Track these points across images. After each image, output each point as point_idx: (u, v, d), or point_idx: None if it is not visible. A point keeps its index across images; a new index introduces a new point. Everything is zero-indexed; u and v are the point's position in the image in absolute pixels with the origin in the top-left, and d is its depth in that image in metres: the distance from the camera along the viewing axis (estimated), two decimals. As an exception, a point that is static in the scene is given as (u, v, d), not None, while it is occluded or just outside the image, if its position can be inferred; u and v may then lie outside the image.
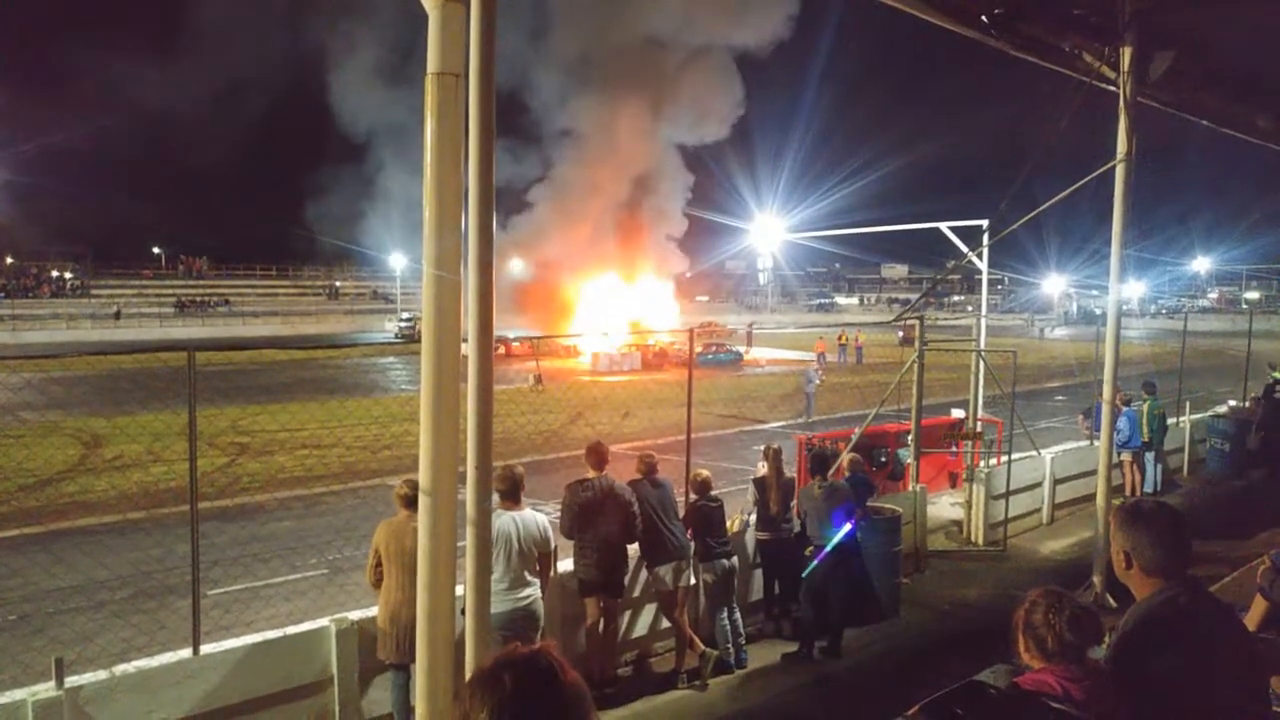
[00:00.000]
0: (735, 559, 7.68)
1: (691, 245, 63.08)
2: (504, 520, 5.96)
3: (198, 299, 69.27)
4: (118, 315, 59.12)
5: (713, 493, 7.62)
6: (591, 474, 6.90)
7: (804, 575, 7.78)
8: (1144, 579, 2.74)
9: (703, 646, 7.24)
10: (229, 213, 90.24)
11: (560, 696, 1.46)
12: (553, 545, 6.28)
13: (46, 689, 4.73)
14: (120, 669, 5.08)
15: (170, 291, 70.06)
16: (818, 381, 24.40)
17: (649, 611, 7.57)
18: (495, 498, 5.62)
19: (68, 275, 68.46)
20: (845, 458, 9.15)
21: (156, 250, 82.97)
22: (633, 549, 7.13)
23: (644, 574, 7.30)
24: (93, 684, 4.88)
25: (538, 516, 6.20)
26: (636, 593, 7.44)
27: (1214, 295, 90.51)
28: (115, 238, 78.37)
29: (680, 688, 7.08)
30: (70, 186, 69.32)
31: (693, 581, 7.31)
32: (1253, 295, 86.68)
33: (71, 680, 4.83)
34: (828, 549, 7.66)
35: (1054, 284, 72.93)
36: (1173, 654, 2.62)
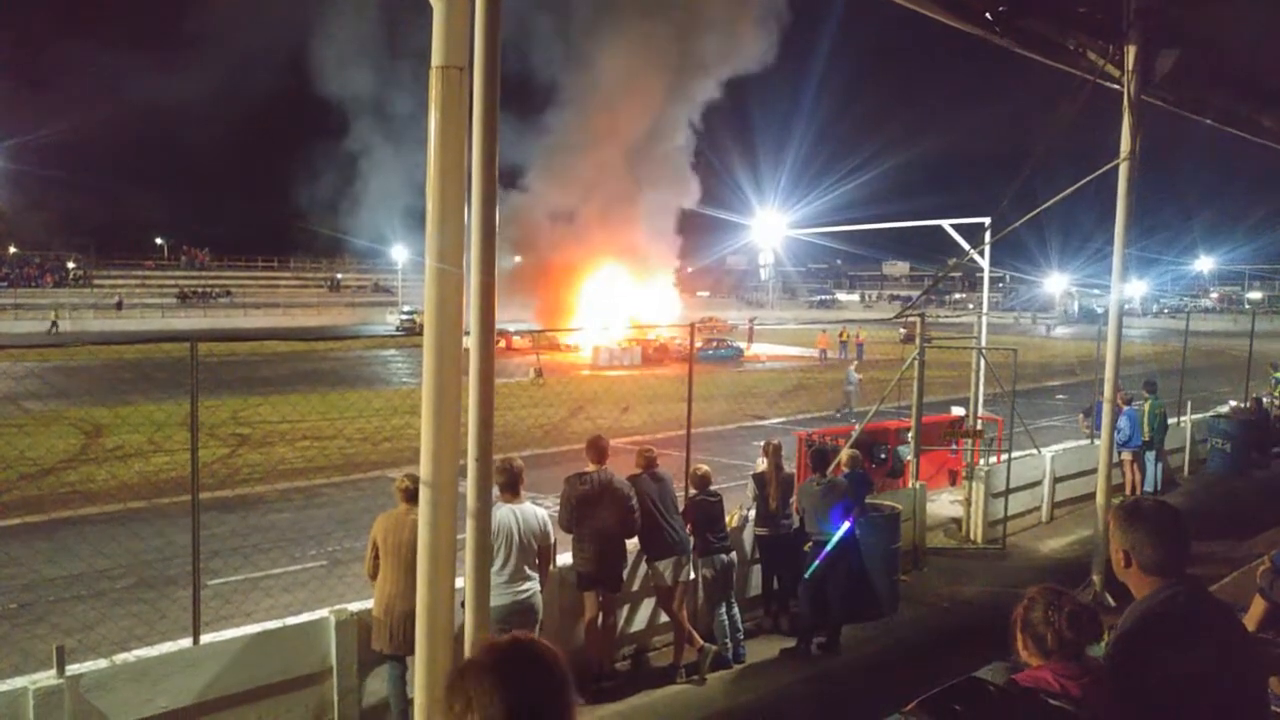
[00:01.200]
0: (734, 554, 7.69)
1: (693, 241, 63.07)
2: (504, 513, 5.97)
3: (200, 290, 69.32)
4: (120, 306, 59.20)
5: (712, 487, 7.63)
6: (591, 468, 6.91)
7: (806, 577, 7.77)
8: (1143, 578, 2.74)
9: (701, 641, 7.26)
10: (231, 204, 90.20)
11: (550, 681, 1.49)
12: (552, 539, 6.29)
13: (48, 677, 4.74)
14: (121, 658, 5.10)
15: (172, 282, 70.09)
16: (859, 379, 24.31)
17: (647, 606, 7.58)
18: (495, 490, 5.63)
19: (70, 265, 68.53)
20: (844, 454, 9.14)
21: (159, 241, 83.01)
22: (632, 543, 7.14)
23: (643, 568, 7.31)
24: (93, 673, 4.90)
25: (537, 510, 6.21)
26: (635, 587, 7.45)
27: (1215, 295, 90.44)
28: (118, 228, 78.35)
29: (678, 682, 7.10)
30: (73, 177, 69.37)
31: (692, 576, 7.32)
32: (1255, 295, 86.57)
33: (72, 668, 4.85)
34: (829, 548, 7.67)
35: (1056, 282, 72.88)
36: (1171, 654, 2.62)
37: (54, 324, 50.70)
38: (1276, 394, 17.63)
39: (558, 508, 6.94)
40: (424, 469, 3.75)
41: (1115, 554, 2.80)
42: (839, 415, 21.93)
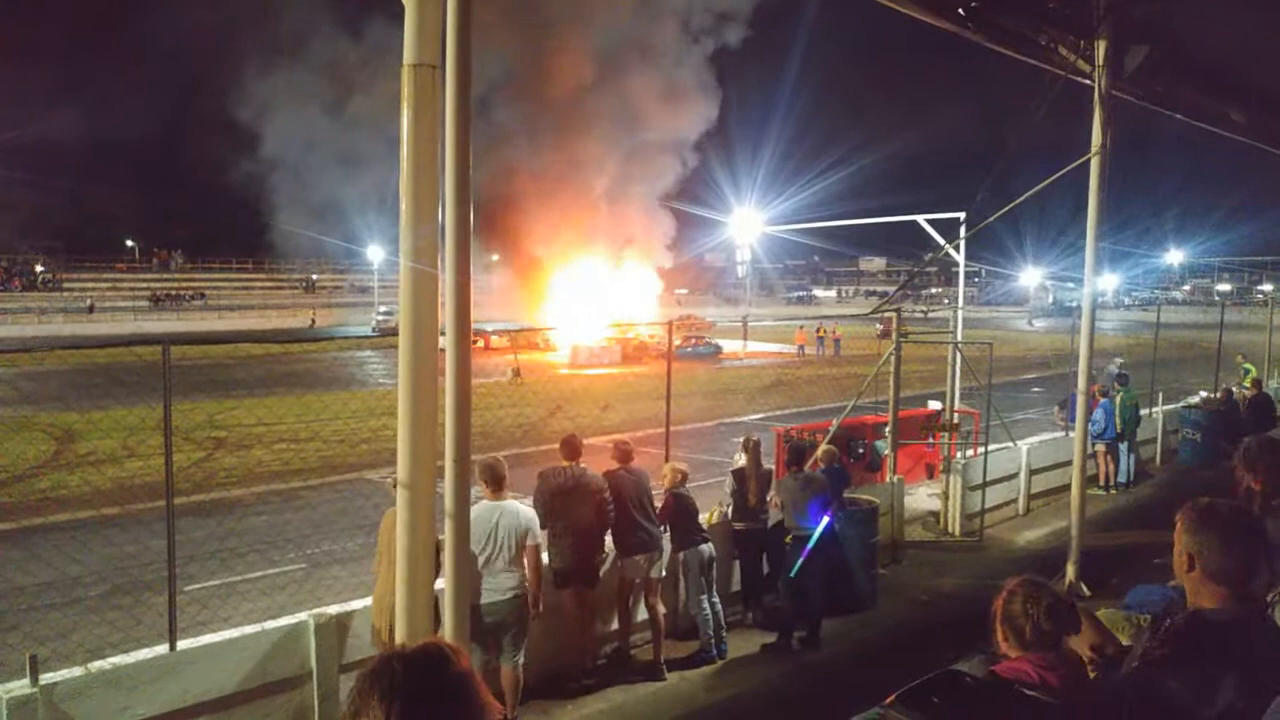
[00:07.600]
0: (711, 545, 7.69)
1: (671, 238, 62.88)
2: (488, 510, 5.94)
3: (172, 293, 68.54)
4: (91, 309, 58.42)
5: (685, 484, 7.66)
6: (564, 464, 6.91)
7: (791, 575, 7.76)
8: (1206, 585, 2.53)
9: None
10: (203, 205, 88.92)
11: (450, 682, 1.53)
12: (538, 536, 6.27)
13: (21, 686, 4.67)
14: (95, 665, 5.03)
15: (144, 285, 69.27)
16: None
17: (627, 601, 7.57)
18: (476, 489, 5.60)
19: (39, 269, 67.58)
20: (821, 450, 9.18)
21: (130, 243, 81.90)
22: (607, 540, 7.14)
23: (619, 563, 7.31)
24: (67, 681, 4.82)
25: (520, 507, 6.18)
26: (614, 583, 7.44)
27: (1187, 288, 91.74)
28: (86, 230, 77.16)
29: (660, 678, 7.10)
30: (38, 178, 68.19)
31: (664, 573, 7.33)
32: (1224, 287, 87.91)
33: (46, 677, 4.77)
34: (810, 545, 7.68)
35: (1030, 276, 73.64)
36: (1216, 669, 2.41)
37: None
38: (1245, 384, 17.88)
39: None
40: (401, 471, 3.73)
41: (1179, 556, 2.58)
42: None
